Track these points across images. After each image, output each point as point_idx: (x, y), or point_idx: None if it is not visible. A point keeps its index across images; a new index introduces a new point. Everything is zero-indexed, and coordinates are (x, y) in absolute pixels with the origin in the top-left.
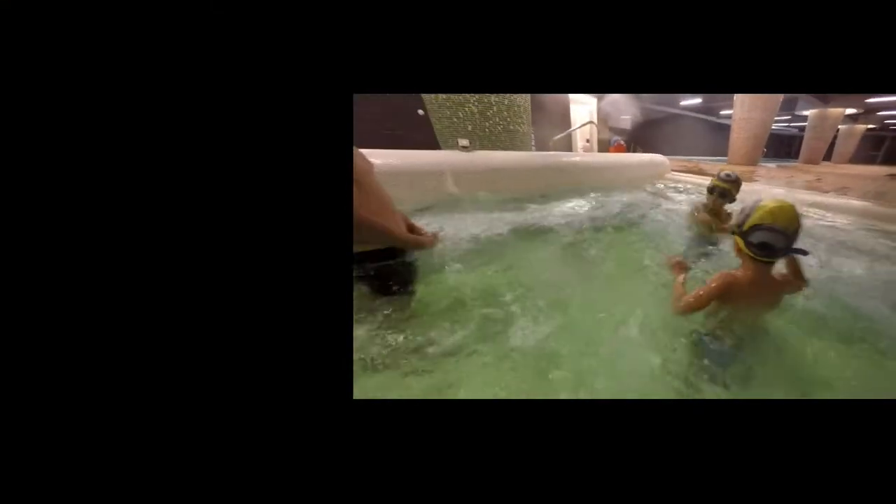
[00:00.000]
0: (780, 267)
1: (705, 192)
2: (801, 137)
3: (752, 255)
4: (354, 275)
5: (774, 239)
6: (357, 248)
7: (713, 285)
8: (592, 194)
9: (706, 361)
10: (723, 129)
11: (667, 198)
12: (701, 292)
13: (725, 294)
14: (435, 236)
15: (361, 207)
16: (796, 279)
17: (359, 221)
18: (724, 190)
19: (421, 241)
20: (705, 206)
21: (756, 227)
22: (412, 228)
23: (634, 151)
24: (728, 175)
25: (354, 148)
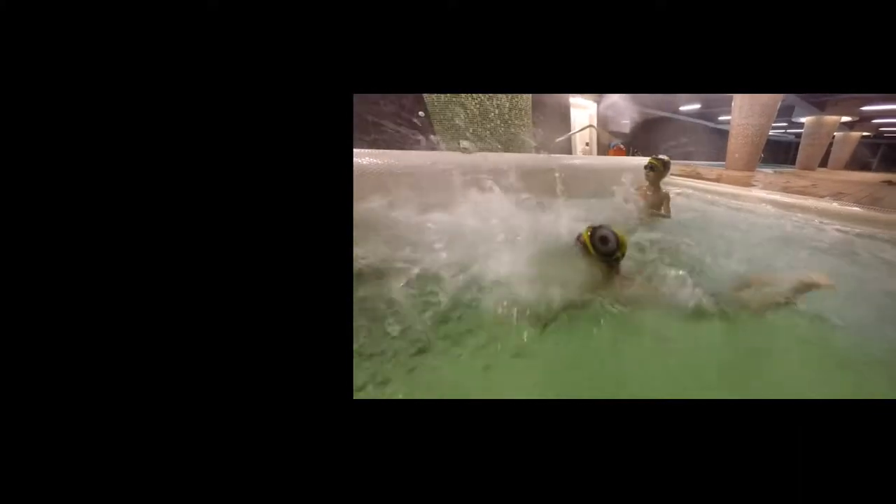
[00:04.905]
0: None
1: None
2: (798, 144)
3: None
4: None
5: None
6: None
7: None
8: (593, 196)
9: None
10: (721, 135)
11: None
12: None
13: None
14: None
15: None
16: None
17: None
18: (653, 165)
19: None
20: (644, 185)
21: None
22: None
23: (634, 155)
24: (659, 157)
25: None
